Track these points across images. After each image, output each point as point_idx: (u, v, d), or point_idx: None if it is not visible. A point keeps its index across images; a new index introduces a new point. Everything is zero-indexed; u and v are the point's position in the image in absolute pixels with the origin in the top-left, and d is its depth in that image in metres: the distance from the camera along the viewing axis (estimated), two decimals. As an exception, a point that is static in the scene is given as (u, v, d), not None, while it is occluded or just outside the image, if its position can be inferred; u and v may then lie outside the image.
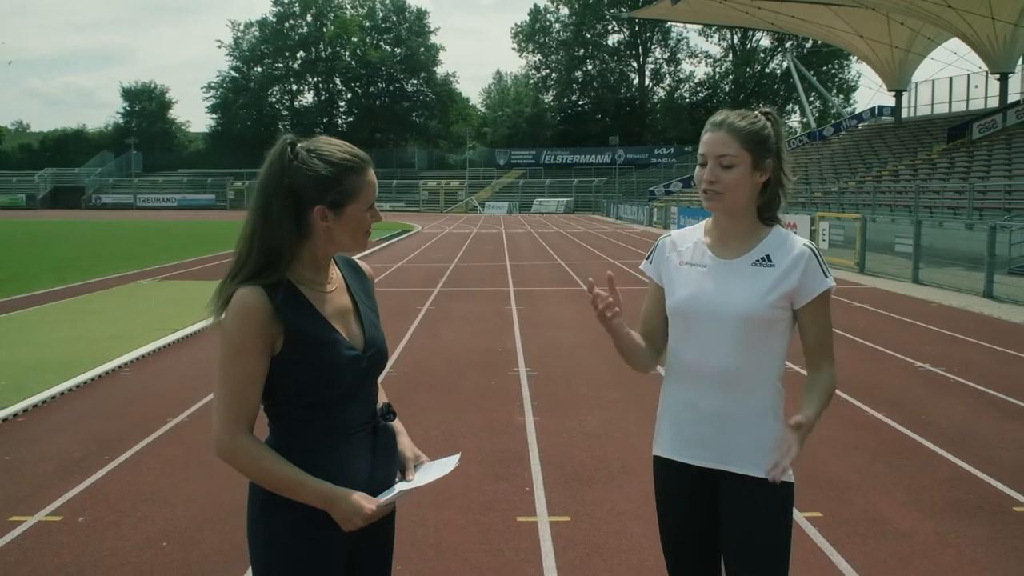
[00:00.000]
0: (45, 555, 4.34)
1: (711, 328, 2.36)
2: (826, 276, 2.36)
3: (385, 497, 2.10)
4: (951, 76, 45.60)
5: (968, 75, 43.83)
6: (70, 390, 7.78)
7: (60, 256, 23.44)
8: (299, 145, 2.10)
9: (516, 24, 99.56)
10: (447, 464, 2.26)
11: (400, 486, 2.17)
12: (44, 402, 7.35)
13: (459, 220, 55.42)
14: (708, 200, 2.39)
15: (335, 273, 2.22)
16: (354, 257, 2.36)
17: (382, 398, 2.32)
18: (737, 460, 2.35)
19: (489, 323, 11.97)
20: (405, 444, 2.29)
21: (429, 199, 76.64)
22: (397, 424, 2.30)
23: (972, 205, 25.52)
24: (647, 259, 2.60)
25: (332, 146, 2.11)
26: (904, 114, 47.80)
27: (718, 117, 2.39)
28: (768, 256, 2.37)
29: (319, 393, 2.05)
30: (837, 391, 2.43)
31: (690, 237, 2.52)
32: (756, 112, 2.42)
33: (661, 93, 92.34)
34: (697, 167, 2.42)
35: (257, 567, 2.11)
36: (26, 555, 4.34)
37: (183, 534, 4.60)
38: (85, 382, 8.07)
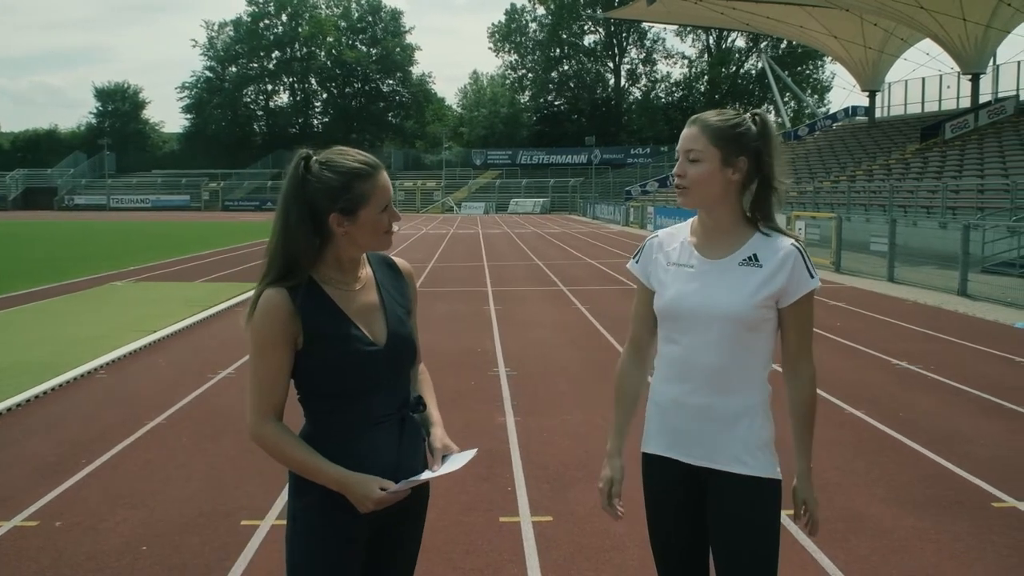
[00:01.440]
0: (21, 561, 4.28)
1: (699, 328, 2.36)
2: (811, 276, 2.37)
3: (399, 484, 2.22)
4: (923, 77, 46.18)
5: (940, 76, 44.37)
6: (45, 393, 7.69)
7: (34, 257, 23.20)
8: (313, 158, 2.25)
9: (492, 24, 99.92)
10: (464, 457, 2.37)
11: (424, 475, 2.31)
12: (19, 405, 7.26)
13: (436, 220, 55.35)
14: (679, 196, 2.43)
15: (365, 271, 2.38)
16: (394, 256, 2.51)
17: (427, 391, 2.49)
18: (725, 458, 2.35)
19: (468, 323, 11.96)
20: (436, 435, 2.42)
21: (405, 199, 76.37)
22: (434, 416, 2.47)
23: (945, 204, 25.77)
24: (634, 259, 2.59)
25: (343, 156, 2.27)
26: (878, 114, 48.23)
27: (695, 115, 2.45)
28: (755, 256, 2.37)
29: (339, 385, 2.24)
30: (816, 389, 2.45)
31: (677, 237, 2.52)
32: (739, 112, 2.44)
33: (637, 93, 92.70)
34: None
35: (286, 539, 2.31)
36: (1, 561, 4.28)
37: (163, 538, 4.55)
38: (61, 384, 7.98)
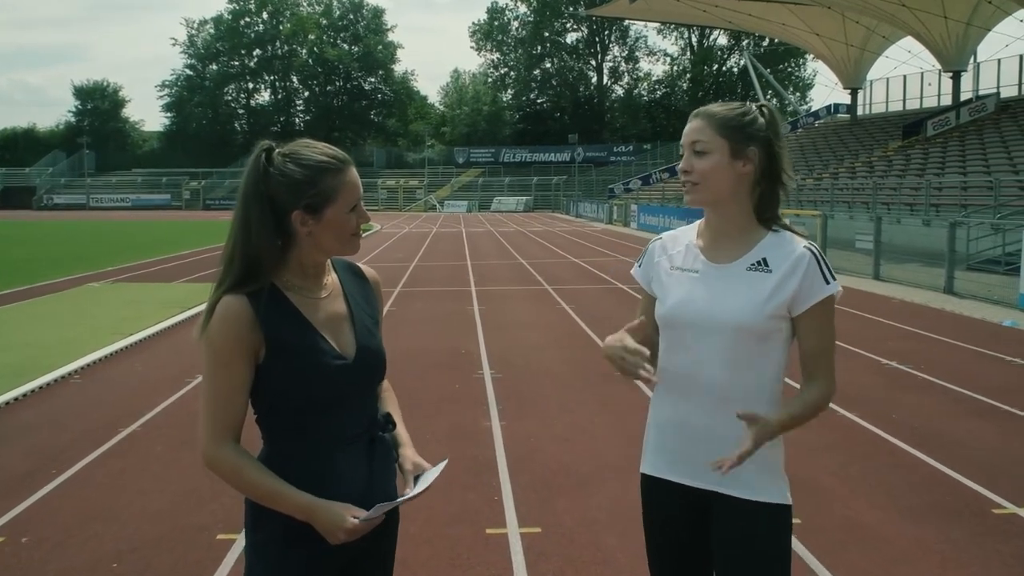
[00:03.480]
0: (-14, 579, 4.08)
1: (702, 339, 2.18)
2: (827, 281, 2.17)
3: (372, 511, 2.01)
4: (905, 74, 46.20)
5: (922, 73, 44.38)
6: (16, 399, 7.46)
7: (9, 258, 22.80)
8: (276, 151, 2.05)
9: (474, 22, 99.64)
10: (434, 472, 2.19)
11: (398, 500, 2.11)
12: (-11, 412, 7.04)
13: (418, 219, 55.09)
14: (687, 193, 2.25)
15: (331, 279, 2.18)
16: (361, 264, 2.31)
17: (394, 408, 2.32)
18: (732, 482, 2.16)
19: (451, 324, 11.78)
20: (406, 456, 2.25)
21: (388, 198, 75.93)
22: (402, 435, 2.28)
23: (929, 202, 25.75)
24: (637, 264, 2.42)
25: (308, 149, 2.06)
26: (860, 111, 48.26)
27: (697, 109, 2.28)
28: (764, 260, 2.19)
29: (305, 402, 2.03)
30: (827, 403, 2.25)
31: (682, 239, 2.35)
32: (745, 102, 2.27)
33: (620, 91, 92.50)
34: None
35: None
36: (-35, 579, 4.08)
37: (135, 554, 4.35)
38: (33, 390, 7.75)
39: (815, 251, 2.21)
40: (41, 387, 7.89)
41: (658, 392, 2.32)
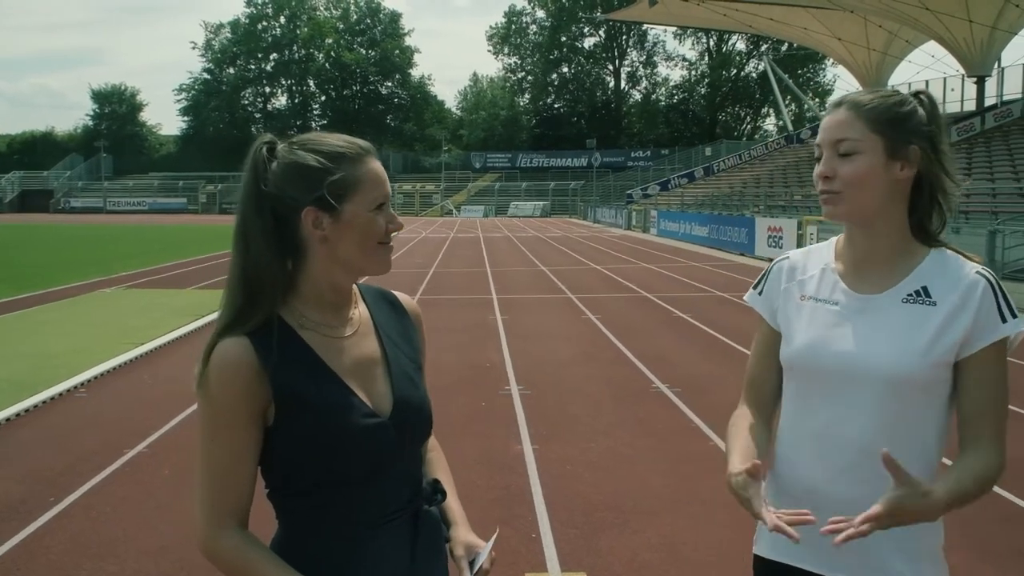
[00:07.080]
0: (-34, 630, 3.64)
1: (844, 391, 1.70)
2: (1005, 319, 1.67)
3: None
4: (928, 79, 45.65)
5: (944, 78, 43.82)
6: (17, 415, 7.04)
7: (20, 262, 22.46)
8: (281, 145, 1.63)
9: (491, 26, 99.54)
10: (488, 548, 1.72)
11: None
12: (-14, 430, 6.62)
13: (435, 224, 54.73)
14: (824, 204, 1.75)
15: (359, 312, 1.70)
16: (397, 292, 1.83)
17: (443, 474, 1.82)
18: (877, 571, 1.71)
19: (474, 335, 11.31)
20: (458, 538, 1.75)
21: (404, 203, 75.76)
22: (454, 510, 1.79)
23: (958, 208, 25.15)
24: (754, 288, 1.94)
25: (322, 137, 1.65)
26: (881, 117, 47.69)
27: (839, 96, 1.77)
28: (925, 289, 1.71)
29: (327, 474, 1.57)
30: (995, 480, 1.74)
31: (816, 261, 1.86)
32: (898, 90, 1.78)
33: (637, 96, 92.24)
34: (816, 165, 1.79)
35: None
36: (-56, 630, 3.65)
37: (134, 598, 3.92)
38: (35, 406, 7.33)
39: (991, 278, 1.71)
40: (44, 402, 7.47)
41: (782, 452, 1.84)
